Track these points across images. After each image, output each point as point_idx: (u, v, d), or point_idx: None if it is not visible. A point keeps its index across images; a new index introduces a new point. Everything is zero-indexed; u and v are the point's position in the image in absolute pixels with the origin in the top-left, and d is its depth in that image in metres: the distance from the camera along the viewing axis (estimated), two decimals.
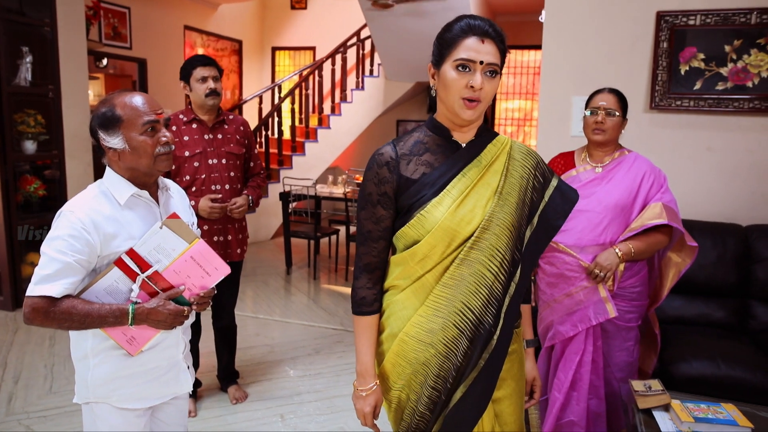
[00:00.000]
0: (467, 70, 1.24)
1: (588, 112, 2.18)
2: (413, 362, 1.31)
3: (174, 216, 1.52)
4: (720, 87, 3.05)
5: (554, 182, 1.41)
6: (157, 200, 1.59)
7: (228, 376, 3.06)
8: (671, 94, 3.11)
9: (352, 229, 5.63)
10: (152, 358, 1.55)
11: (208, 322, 3.03)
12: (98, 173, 5.23)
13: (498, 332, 1.30)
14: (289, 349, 3.72)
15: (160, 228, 1.48)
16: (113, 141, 1.46)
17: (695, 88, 3.08)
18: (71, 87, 4.60)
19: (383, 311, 1.39)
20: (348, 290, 5.08)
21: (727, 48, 3.02)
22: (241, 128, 2.87)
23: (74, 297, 1.43)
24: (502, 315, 1.31)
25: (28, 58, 4.26)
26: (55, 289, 1.39)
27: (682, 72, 3.10)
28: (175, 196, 1.69)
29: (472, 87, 1.23)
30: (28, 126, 4.28)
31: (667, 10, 3.08)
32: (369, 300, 1.37)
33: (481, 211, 1.28)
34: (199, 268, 1.54)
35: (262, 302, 4.69)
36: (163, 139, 1.50)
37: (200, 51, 7.54)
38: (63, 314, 1.40)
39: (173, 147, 1.54)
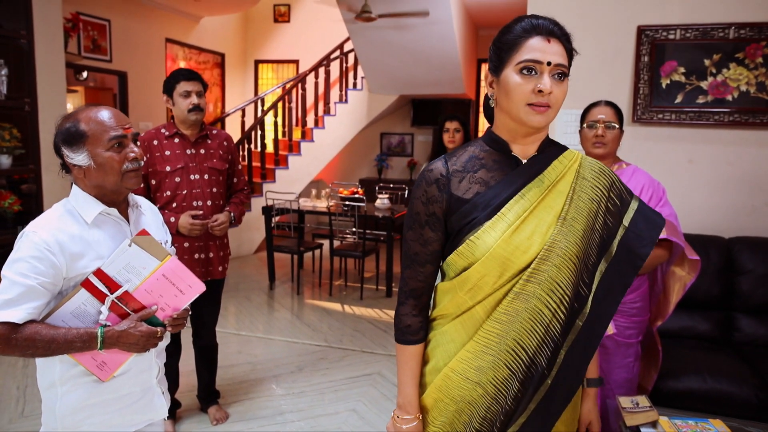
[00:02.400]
0: (533, 73, 1.10)
1: (586, 126, 2.17)
2: (458, 400, 1.18)
3: (143, 233, 1.45)
4: (701, 100, 3.08)
5: (634, 205, 1.24)
6: (127, 218, 1.52)
7: (208, 396, 2.98)
8: (653, 107, 3.14)
9: (336, 243, 5.58)
10: (124, 383, 1.48)
11: (188, 341, 2.95)
12: None
13: (554, 375, 1.16)
14: (271, 366, 3.64)
15: (129, 246, 1.41)
16: (78, 158, 1.39)
17: (676, 101, 3.11)
18: (48, 100, 4.51)
19: (429, 341, 1.27)
20: (332, 305, 5.01)
21: (707, 62, 3.05)
22: (225, 143, 2.82)
23: (38, 322, 1.35)
24: (561, 357, 1.16)
25: (4, 71, 4.16)
26: (17, 315, 1.31)
27: (663, 85, 3.12)
28: (147, 214, 1.62)
29: (540, 91, 1.09)
30: (2, 140, 4.17)
31: (647, 25, 3.12)
32: (414, 328, 1.25)
33: (540, 239, 1.13)
34: (172, 286, 1.46)
35: (244, 318, 4.61)
36: (131, 154, 1.43)
37: (182, 64, 7.48)
38: (26, 341, 1.31)
39: (142, 163, 1.47)
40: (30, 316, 1.34)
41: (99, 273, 1.39)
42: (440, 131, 3.61)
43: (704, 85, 3.07)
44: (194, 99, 2.63)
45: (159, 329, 1.43)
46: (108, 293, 1.39)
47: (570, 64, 1.15)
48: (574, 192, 1.17)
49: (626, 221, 1.22)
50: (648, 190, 2.11)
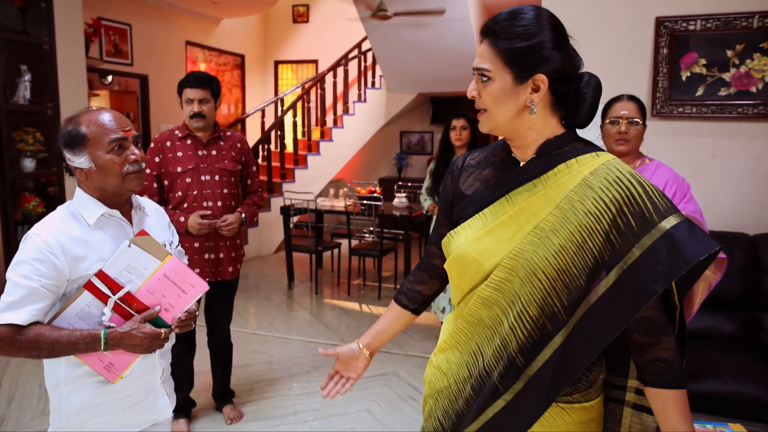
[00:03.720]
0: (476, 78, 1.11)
1: (608, 122, 2.10)
2: (430, 386, 1.24)
3: (142, 233, 1.46)
4: (723, 93, 2.97)
5: (665, 225, 0.98)
6: (130, 220, 1.53)
7: (223, 395, 3.00)
8: (673, 101, 3.04)
9: (354, 242, 5.57)
10: (128, 384, 1.49)
11: (203, 340, 2.97)
12: None
13: (511, 397, 1.07)
14: (287, 366, 3.65)
15: (129, 246, 1.42)
16: (79, 160, 1.41)
17: (697, 94, 3.01)
18: (70, 104, 4.60)
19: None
20: (350, 305, 5.01)
21: (729, 53, 2.95)
22: (238, 145, 2.83)
23: (42, 324, 1.37)
24: (521, 381, 1.06)
25: (27, 76, 4.27)
26: (21, 317, 1.33)
27: (684, 78, 3.03)
28: (152, 215, 1.62)
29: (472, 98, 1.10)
30: (26, 144, 4.28)
31: (666, 16, 3.02)
32: (403, 290, 1.36)
33: (509, 246, 1.06)
34: (174, 286, 1.46)
35: (263, 318, 4.63)
36: (132, 157, 1.44)
37: (202, 66, 7.57)
38: (30, 342, 1.33)
39: (143, 165, 1.48)
40: (34, 317, 1.35)
41: (101, 274, 1.39)
42: (447, 128, 3.60)
43: (726, 76, 2.97)
44: (195, 107, 2.64)
45: (163, 330, 1.42)
46: (110, 294, 1.40)
47: (510, 61, 1.04)
48: (568, 201, 1.03)
49: (642, 246, 0.98)
50: (672, 186, 2.03)
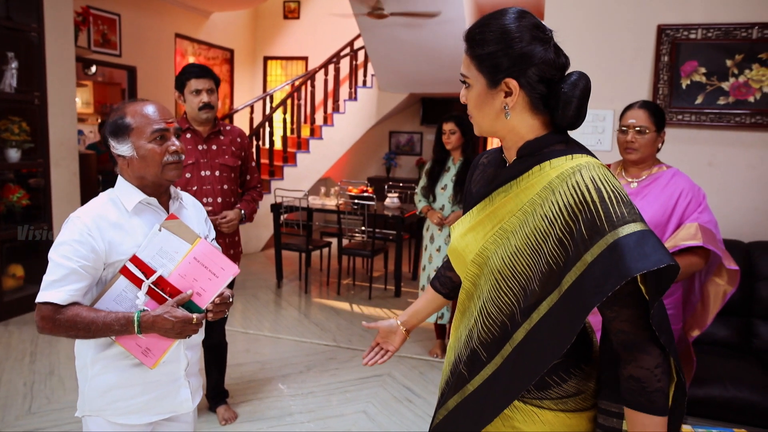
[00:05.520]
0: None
1: (619, 130, 2.11)
2: (446, 355, 1.31)
3: (172, 217, 1.49)
4: (721, 102, 3.01)
5: (614, 235, 0.93)
6: (167, 209, 1.56)
7: (217, 395, 2.94)
8: (672, 108, 3.07)
9: (345, 241, 5.53)
10: (151, 372, 1.50)
11: None
12: (84, 183, 5.10)
13: (476, 386, 1.12)
14: (280, 366, 3.61)
15: (159, 230, 1.46)
16: (122, 148, 1.46)
17: (696, 102, 3.05)
18: (58, 94, 4.49)
19: None
20: (340, 305, 4.97)
21: (729, 62, 2.99)
22: (238, 140, 2.78)
23: (80, 305, 1.41)
24: (486, 371, 1.10)
25: (14, 64, 4.15)
26: (59, 296, 1.37)
27: (683, 86, 3.06)
28: (189, 207, 1.66)
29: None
30: (11, 133, 4.15)
31: (668, 24, 3.05)
32: (438, 275, 1.43)
33: (481, 243, 1.12)
34: (205, 269, 1.48)
35: (252, 317, 4.57)
36: (172, 147, 1.48)
37: (191, 59, 7.45)
38: (68, 322, 1.37)
39: (183, 156, 1.52)
40: (72, 297, 1.38)
41: (135, 259, 1.43)
42: (439, 132, 3.62)
43: (725, 86, 3.01)
44: (204, 97, 2.59)
45: (195, 316, 1.43)
46: (144, 278, 1.43)
47: (481, 67, 1.06)
48: (531, 204, 1.04)
49: (590, 256, 0.95)
50: (687, 195, 2.01)
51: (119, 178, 1.52)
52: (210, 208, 2.62)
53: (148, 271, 1.43)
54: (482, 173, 1.26)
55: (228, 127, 2.78)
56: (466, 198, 1.30)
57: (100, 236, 1.40)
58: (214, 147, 2.69)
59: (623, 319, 0.99)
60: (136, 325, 1.39)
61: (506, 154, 1.16)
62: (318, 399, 3.16)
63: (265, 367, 3.59)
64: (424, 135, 8.44)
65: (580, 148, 1.09)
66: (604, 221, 0.95)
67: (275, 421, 2.91)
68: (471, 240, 1.14)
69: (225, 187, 2.70)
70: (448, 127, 3.57)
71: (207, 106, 2.59)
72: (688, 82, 3.06)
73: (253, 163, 2.91)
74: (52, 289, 1.37)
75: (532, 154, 1.09)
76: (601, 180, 0.99)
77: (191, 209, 1.66)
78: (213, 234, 1.72)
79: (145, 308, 1.42)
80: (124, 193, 1.49)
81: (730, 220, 3.06)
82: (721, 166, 3.06)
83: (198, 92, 2.58)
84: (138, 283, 1.43)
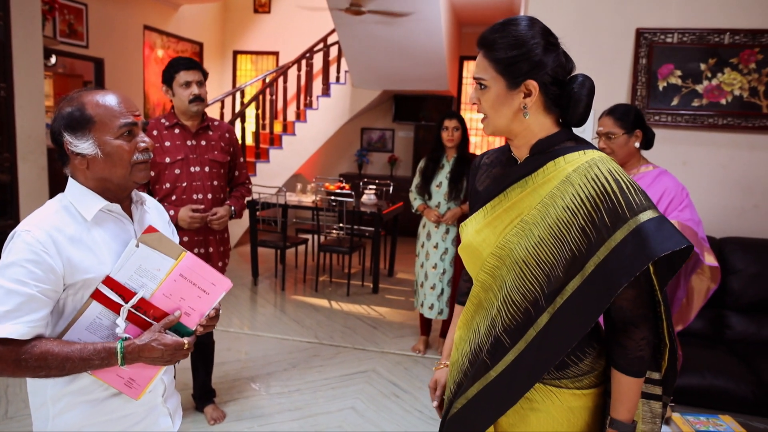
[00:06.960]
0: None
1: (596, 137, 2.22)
2: (450, 360, 1.35)
3: (151, 229, 1.29)
4: (696, 104, 3.15)
5: (636, 221, 1.04)
6: (130, 216, 1.36)
7: (204, 395, 2.90)
8: (650, 109, 3.19)
9: (322, 238, 5.52)
10: (126, 403, 1.31)
11: None
12: (53, 178, 4.92)
13: (499, 372, 1.17)
14: (263, 364, 3.58)
15: (137, 246, 1.26)
16: (83, 145, 1.23)
17: (672, 104, 3.17)
18: (25, 86, 4.31)
19: None
20: (318, 302, 4.96)
21: (703, 66, 3.12)
22: (227, 135, 2.74)
23: (48, 338, 1.19)
24: (509, 357, 1.16)
25: None
26: (18, 330, 1.13)
27: (660, 88, 3.18)
28: (152, 212, 1.45)
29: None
30: None
31: (646, 27, 3.16)
32: (462, 291, 1.43)
33: (499, 237, 1.18)
34: (193, 286, 1.29)
35: (230, 315, 4.51)
36: (142, 144, 1.29)
37: (160, 53, 7.26)
38: (37, 361, 1.15)
39: (152, 154, 1.33)
40: (35, 330, 1.16)
41: (109, 281, 1.23)
42: (439, 129, 3.61)
43: (700, 88, 3.14)
44: (195, 89, 2.55)
45: (186, 340, 1.26)
46: (122, 303, 1.24)
47: (502, 70, 1.14)
48: (551, 196, 1.12)
49: (615, 240, 1.05)
50: (670, 194, 2.11)
51: (71, 181, 1.28)
52: (201, 206, 2.58)
53: (126, 293, 1.24)
54: (487, 173, 1.32)
55: (216, 122, 2.74)
56: (471, 197, 1.36)
57: (57, 253, 1.18)
58: (203, 142, 2.64)
59: (625, 298, 1.12)
60: (119, 357, 1.20)
61: (516, 152, 1.23)
62: (305, 396, 3.16)
63: (248, 365, 3.56)
64: (396, 132, 8.47)
65: (588, 145, 1.18)
66: (626, 209, 1.06)
67: (264, 420, 2.89)
68: (489, 234, 1.20)
69: (215, 183, 2.66)
70: (452, 123, 3.56)
71: (198, 98, 2.55)
72: (665, 84, 3.18)
73: (242, 159, 2.88)
74: (7, 322, 1.12)
75: (545, 151, 1.17)
76: (617, 172, 1.10)
77: (154, 213, 1.46)
78: (176, 239, 1.50)
79: (127, 335, 1.24)
80: (80, 199, 1.26)
81: (703, 217, 3.18)
82: (695, 166, 3.20)
83: (188, 84, 2.54)
84: (115, 308, 1.24)
